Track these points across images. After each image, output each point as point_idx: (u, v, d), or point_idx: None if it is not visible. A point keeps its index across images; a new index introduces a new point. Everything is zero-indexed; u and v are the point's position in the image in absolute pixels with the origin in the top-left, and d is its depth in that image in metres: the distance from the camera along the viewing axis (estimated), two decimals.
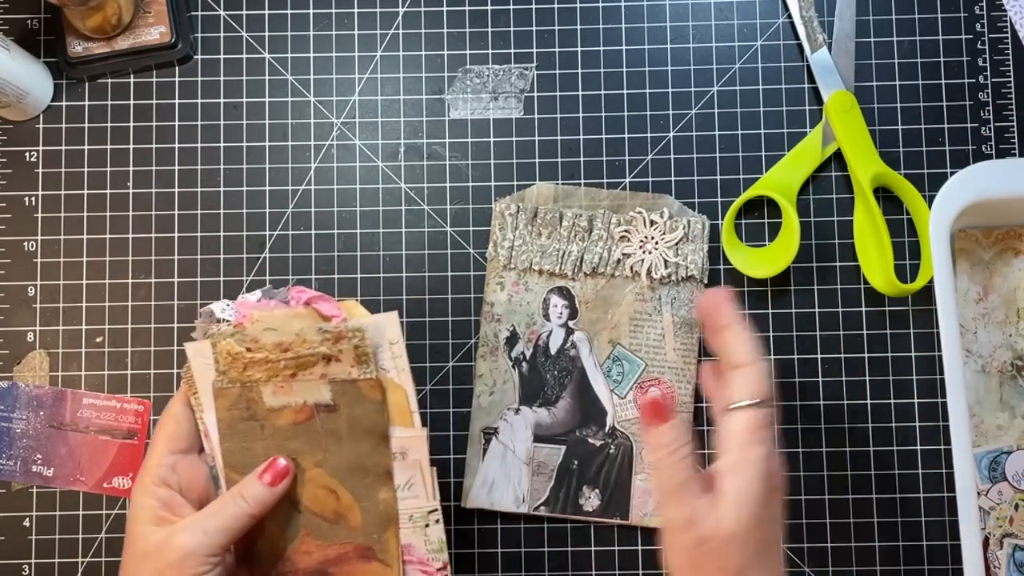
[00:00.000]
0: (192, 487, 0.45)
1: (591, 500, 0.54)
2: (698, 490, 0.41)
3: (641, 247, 0.55)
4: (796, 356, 0.57)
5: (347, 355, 0.44)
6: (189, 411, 0.46)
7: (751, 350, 0.42)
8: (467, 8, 0.59)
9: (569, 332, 0.55)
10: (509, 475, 0.54)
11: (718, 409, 0.43)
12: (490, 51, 0.59)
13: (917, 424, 0.57)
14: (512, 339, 0.55)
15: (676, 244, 0.55)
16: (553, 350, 0.55)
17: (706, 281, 0.56)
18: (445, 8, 0.59)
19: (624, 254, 0.55)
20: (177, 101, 0.59)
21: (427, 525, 0.46)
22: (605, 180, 0.58)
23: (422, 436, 0.45)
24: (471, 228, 0.58)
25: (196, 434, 0.46)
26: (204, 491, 0.46)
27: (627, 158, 0.58)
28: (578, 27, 0.59)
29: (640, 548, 0.56)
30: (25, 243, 0.58)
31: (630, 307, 0.56)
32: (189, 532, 0.42)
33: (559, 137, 0.58)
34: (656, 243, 0.55)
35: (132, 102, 0.59)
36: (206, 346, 0.45)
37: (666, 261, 0.55)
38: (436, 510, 0.46)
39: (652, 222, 0.55)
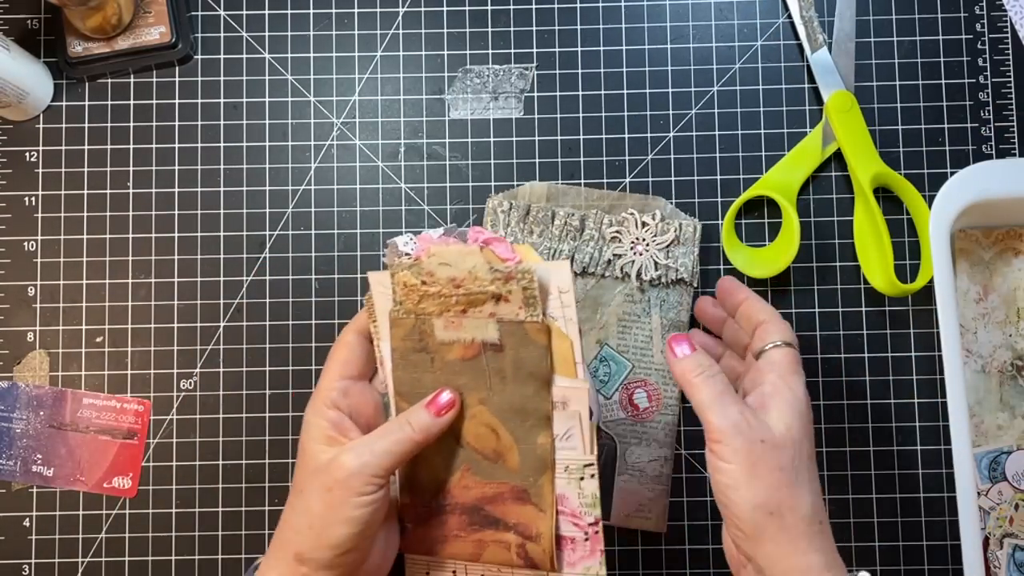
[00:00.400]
0: (361, 412, 0.46)
1: None
2: (740, 399, 0.44)
3: (632, 248, 0.55)
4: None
5: (516, 296, 0.45)
6: (362, 339, 0.47)
7: (772, 309, 0.48)
8: (467, 8, 0.59)
9: None
10: None
11: (752, 352, 0.47)
12: (490, 51, 0.59)
13: (917, 424, 0.57)
14: None
15: (667, 247, 0.55)
16: None
17: (696, 284, 0.56)
18: (445, 8, 0.59)
19: (615, 255, 0.55)
20: (177, 101, 0.59)
21: (582, 478, 0.46)
22: (605, 180, 0.58)
23: (585, 387, 0.45)
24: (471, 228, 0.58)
25: (367, 361, 0.47)
26: (373, 416, 0.47)
27: (627, 158, 0.58)
28: (578, 27, 0.59)
29: (640, 548, 0.56)
30: (25, 243, 0.58)
31: (619, 308, 0.56)
32: (356, 452, 0.43)
33: (559, 137, 0.58)
34: (647, 245, 0.55)
35: (132, 102, 0.59)
36: (386, 276, 0.46)
37: (656, 263, 0.55)
38: (592, 464, 0.46)
39: (644, 224, 0.55)
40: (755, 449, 0.41)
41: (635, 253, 0.55)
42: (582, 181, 0.58)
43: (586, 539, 0.47)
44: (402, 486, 0.48)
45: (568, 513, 0.47)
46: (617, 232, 0.55)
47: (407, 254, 0.47)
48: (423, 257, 0.45)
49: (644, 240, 0.55)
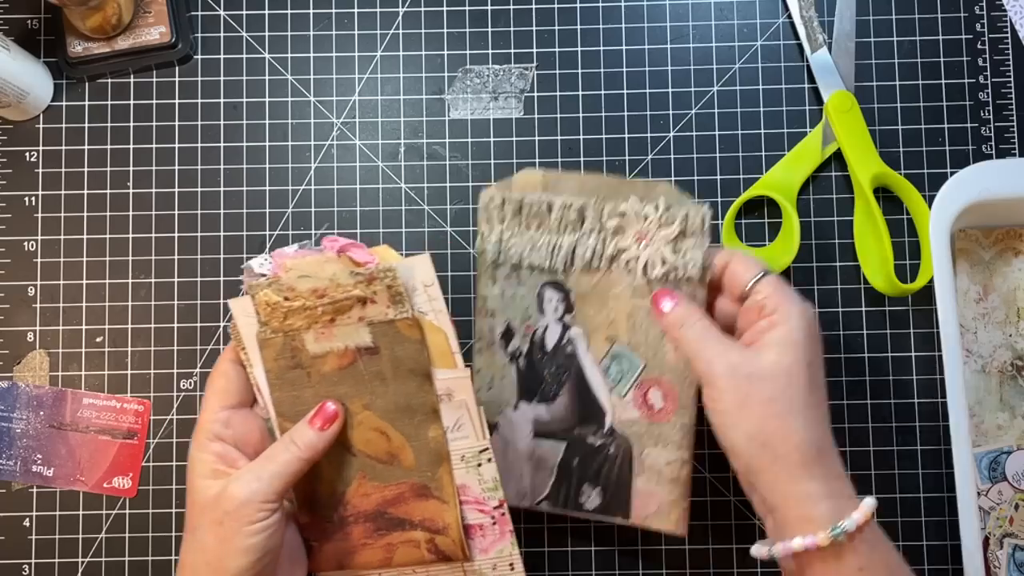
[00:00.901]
0: (248, 440, 0.46)
1: (592, 498, 0.54)
2: (728, 340, 0.44)
3: (637, 242, 0.51)
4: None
5: (382, 296, 0.45)
6: (238, 367, 0.46)
7: (726, 251, 0.48)
8: (467, 8, 0.59)
9: (565, 328, 0.54)
10: (511, 469, 0.54)
11: (736, 295, 0.47)
12: (490, 51, 0.59)
13: (917, 424, 0.57)
14: (508, 334, 0.54)
15: (673, 240, 0.50)
16: (549, 346, 0.54)
17: (707, 281, 0.51)
18: (445, 8, 0.59)
19: (619, 249, 0.52)
20: (177, 101, 0.59)
21: (479, 464, 0.47)
22: None
23: (466, 376, 0.46)
24: (471, 228, 0.58)
25: (246, 388, 0.46)
26: (260, 442, 0.46)
27: (627, 158, 0.58)
28: (578, 27, 0.59)
29: (640, 548, 0.56)
30: (25, 243, 0.58)
31: (628, 303, 0.52)
32: (243, 481, 0.43)
33: (559, 137, 0.58)
34: (652, 238, 0.51)
35: (132, 102, 0.59)
36: (247, 301, 0.46)
37: (663, 259, 0.50)
38: (487, 449, 0.47)
39: (646, 216, 0.51)
40: (742, 384, 0.42)
41: (640, 247, 0.51)
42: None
43: (493, 523, 0.47)
44: (300, 504, 0.48)
45: (472, 501, 0.47)
46: (620, 223, 0.51)
47: (263, 275, 0.46)
48: (280, 273, 0.45)
49: (648, 232, 0.51)
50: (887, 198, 0.58)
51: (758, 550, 0.43)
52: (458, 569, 0.48)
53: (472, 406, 0.46)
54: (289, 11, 0.59)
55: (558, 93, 0.59)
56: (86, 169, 0.58)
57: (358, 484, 0.47)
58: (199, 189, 0.58)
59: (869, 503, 0.41)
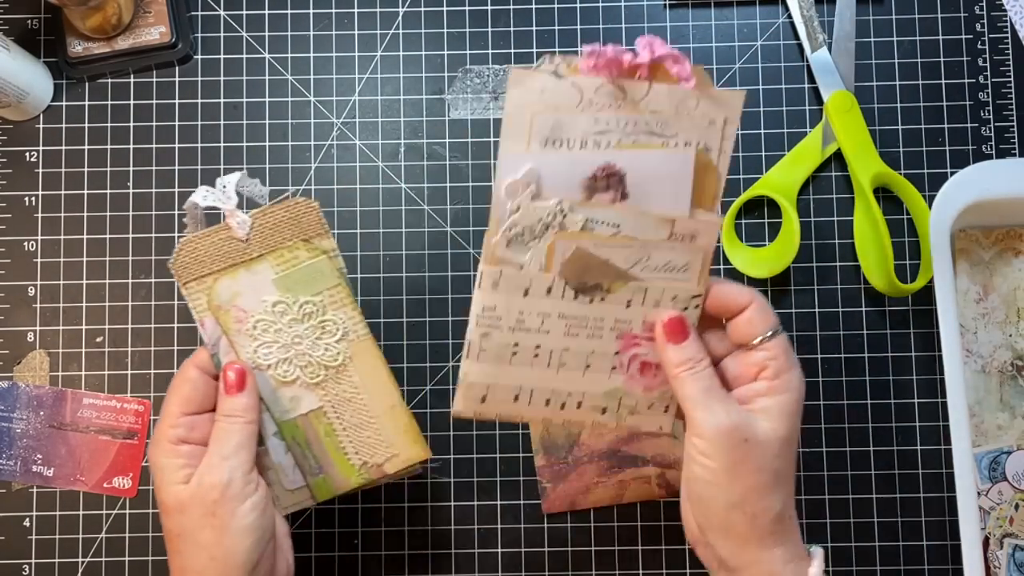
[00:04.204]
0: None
1: None
2: (729, 396, 0.42)
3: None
4: (796, 356, 0.57)
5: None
6: (203, 374, 0.46)
7: (747, 290, 0.43)
8: (467, 8, 0.59)
9: None
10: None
11: (739, 341, 0.43)
12: (490, 51, 0.59)
13: (917, 424, 0.57)
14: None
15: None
16: None
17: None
18: (445, 8, 0.59)
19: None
20: (177, 101, 0.59)
21: (686, 308, 0.44)
22: None
23: (717, 223, 0.43)
24: (471, 228, 0.58)
25: (209, 396, 0.46)
26: None
27: None
28: (578, 27, 0.59)
29: (640, 548, 0.56)
30: (25, 243, 0.58)
31: None
32: (216, 466, 0.43)
33: None
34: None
35: (132, 102, 0.59)
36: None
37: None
38: (699, 295, 0.44)
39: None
40: (739, 448, 0.41)
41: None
42: None
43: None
44: (536, 449, 0.50)
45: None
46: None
47: (213, 208, 0.46)
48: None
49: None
50: (887, 198, 0.58)
51: None
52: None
53: (709, 255, 0.43)
54: (289, 11, 0.59)
55: None
56: (86, 169, 0.58)
57: (592, 424, 0.46)
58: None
59: (819, 553, 0.43)
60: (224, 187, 0.46)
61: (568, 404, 0.45)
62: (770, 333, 0.42)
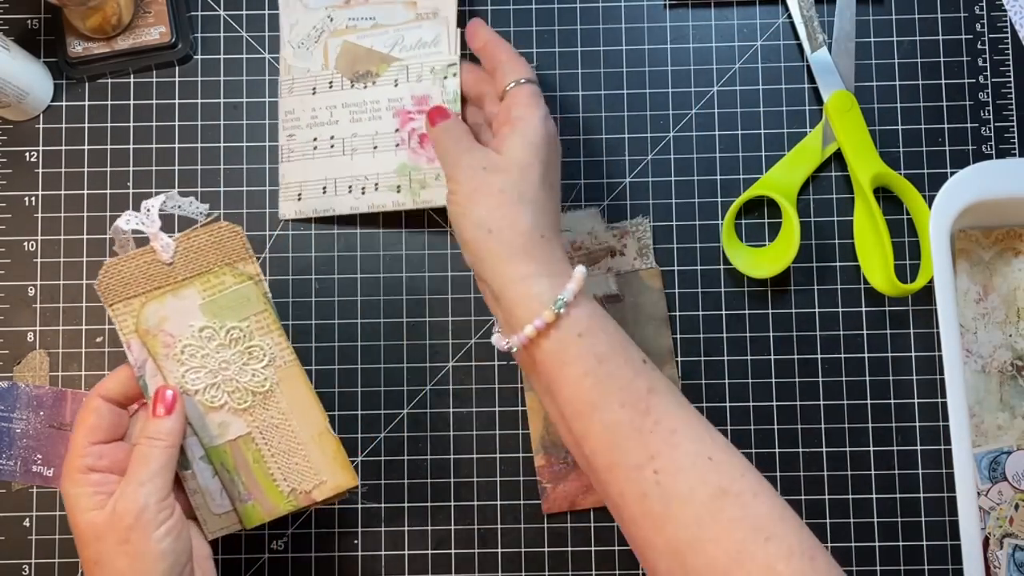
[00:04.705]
0: (122, 468, 0.45)
1: None
2: (477, 144, 0.47)
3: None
4: (796, 356, 0.57)
5: (631, 248, 0.49)
6: (110, 404, 0.46)
7: (510, 48, 0.50)
8: (467, 8, 0.59)
9: None
10: None
11: (492, 97, 0.50)
12: None
13: (917, 424, 0.57)
14: None
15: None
16: None
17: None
18: None
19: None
20: (177, 101, 0.59)
21: (445, 77, 0.52)
22: (605, 180, 0.58)
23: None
24: None
25: (116, 425, 0.46)
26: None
27: (627, 158, 0.58)
28: (578, 27, 0.59)
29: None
30: (25, 243, 0.58)
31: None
32: (130, 493, 0.43)
33: (559, 137, 0.58)
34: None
35: (132, 102, 0.59)
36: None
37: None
38: (455, 64, 0.52)
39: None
40: (477, 175, 0.45)
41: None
42: (582, 181, 0.58)
43: None
44: (536, 449, 0.52)
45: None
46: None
47: (137, 232, 0.47)
48: None
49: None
50: (887, 198, 0.58)
51: (497, 340, 0.46)
52: None
53: (453, 25, 0.51)
54: None
55: (558, 93, 0.58)
56: (86, 169, 0.58)
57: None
58: (199, 189, 0.58)
59: (581, 270, 0.44)
60: (148, 210, 0.47)
61: (367, 188, 0.54)
62: (519, 81, 0.48)
